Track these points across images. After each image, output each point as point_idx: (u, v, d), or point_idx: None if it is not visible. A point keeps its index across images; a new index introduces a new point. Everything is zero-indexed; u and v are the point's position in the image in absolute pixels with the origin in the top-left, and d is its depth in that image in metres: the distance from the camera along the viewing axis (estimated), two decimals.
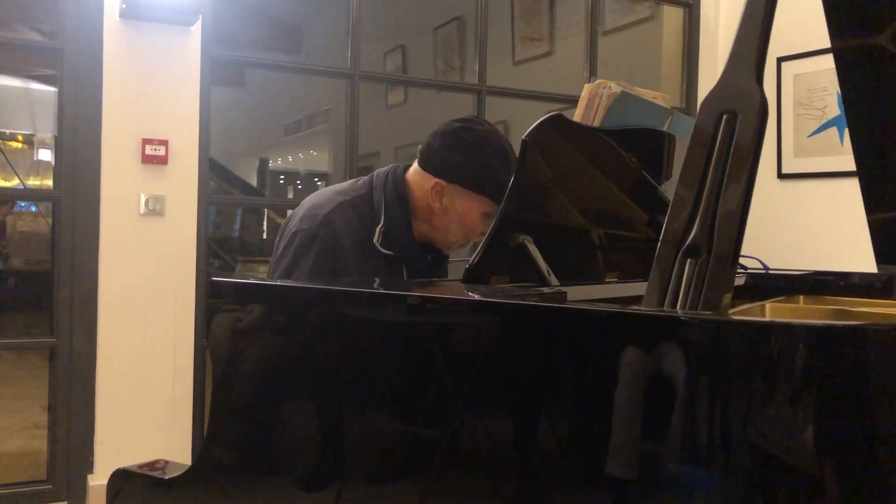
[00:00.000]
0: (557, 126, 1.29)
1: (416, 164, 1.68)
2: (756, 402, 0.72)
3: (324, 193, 1.69)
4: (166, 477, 1.24)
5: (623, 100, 1.40)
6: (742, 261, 1.69)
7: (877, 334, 0.70)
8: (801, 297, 1.69)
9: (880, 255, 1.50)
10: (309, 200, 1.67)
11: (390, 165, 1.72)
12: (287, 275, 1.57)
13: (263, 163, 6.51)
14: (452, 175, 1.61)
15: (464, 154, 1.59)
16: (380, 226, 1.62)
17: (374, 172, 1.71)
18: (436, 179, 1.62)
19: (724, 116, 0.89)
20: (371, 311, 1.07)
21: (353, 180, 1.74)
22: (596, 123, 1.43)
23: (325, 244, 1.56)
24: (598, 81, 1.41)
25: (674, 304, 0.86)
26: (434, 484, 0.96)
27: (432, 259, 1.72)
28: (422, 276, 1.68)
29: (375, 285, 1.21)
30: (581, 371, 0.84)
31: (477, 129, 1.62)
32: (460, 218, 1.63)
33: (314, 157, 7.19)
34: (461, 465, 0.95)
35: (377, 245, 1.61)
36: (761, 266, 1.78)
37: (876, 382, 0.69)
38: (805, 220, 3.64)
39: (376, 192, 1.65)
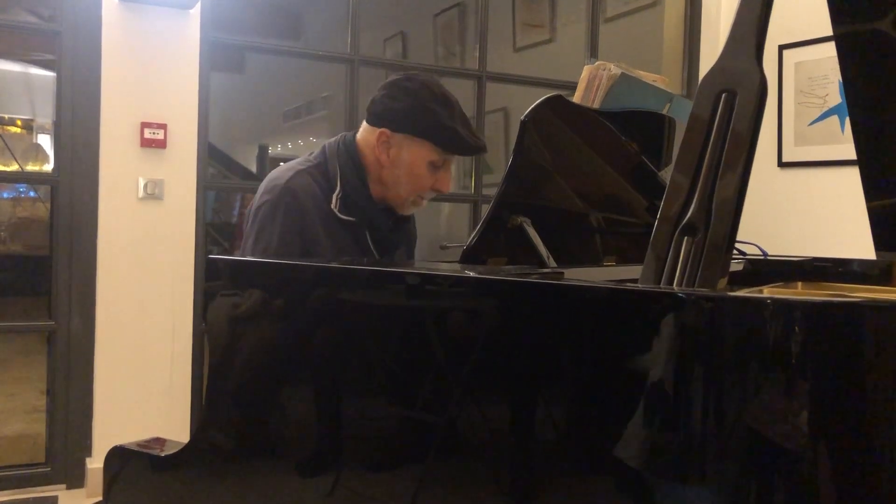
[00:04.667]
0: (556, 107, 1.29)
1: (363, 124, 1.69)
2: (752, 377, 0.72)
3: (280, 168, 1.71)
4: (163, 454, 1.24)
5: (623, 82, 1.39)
6: (741, 247, 1.69)
7: (873, 311, 0.70)
8: (800, 283, 1.68)
9: (879, 242, 1.49)
10: (267, 178, 1.69)
11: (340, 134, 1.72)
12: (257, 245, 1.58)
13: (263, 149, 6.49)
14: (396, 122, 1.62)
15: (405, 100, 1.61)
16: (336, 192, 1.63)
17: (325, 143, 1.72)
18: (381, 129, 1.63)
19: (723, 96, 0.89)
20: (369, 289, 1.07)
21: (307, 154, 1.74)
22: (595, 105, 1.42)
23: (289, 208, 1.58)
24: (597, 63, 1.40)
25: (670, 283, 0.86)
26: (432, 462, 0.96)
27: (393, 223, 1.72)
28: (385, 240, 1.69)
29: (374, 263, 1.21)
30: (578, 348, 0.84)
31: (417, 78, 1.65)
32: (408, 168, 1.63)
33: (314, 144, 7.15)
34: (459, 445, 0.95)
35: (335, 211, 1.62)
36: (760, 252, 1.78)
37: (871, 358, 0.69)
38: (805, 209, 3.64)
39: (330, 161, 1.66)
